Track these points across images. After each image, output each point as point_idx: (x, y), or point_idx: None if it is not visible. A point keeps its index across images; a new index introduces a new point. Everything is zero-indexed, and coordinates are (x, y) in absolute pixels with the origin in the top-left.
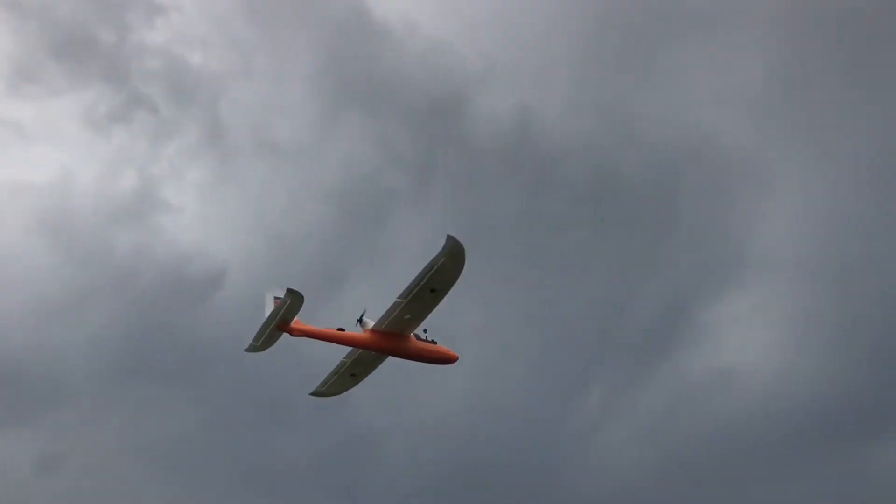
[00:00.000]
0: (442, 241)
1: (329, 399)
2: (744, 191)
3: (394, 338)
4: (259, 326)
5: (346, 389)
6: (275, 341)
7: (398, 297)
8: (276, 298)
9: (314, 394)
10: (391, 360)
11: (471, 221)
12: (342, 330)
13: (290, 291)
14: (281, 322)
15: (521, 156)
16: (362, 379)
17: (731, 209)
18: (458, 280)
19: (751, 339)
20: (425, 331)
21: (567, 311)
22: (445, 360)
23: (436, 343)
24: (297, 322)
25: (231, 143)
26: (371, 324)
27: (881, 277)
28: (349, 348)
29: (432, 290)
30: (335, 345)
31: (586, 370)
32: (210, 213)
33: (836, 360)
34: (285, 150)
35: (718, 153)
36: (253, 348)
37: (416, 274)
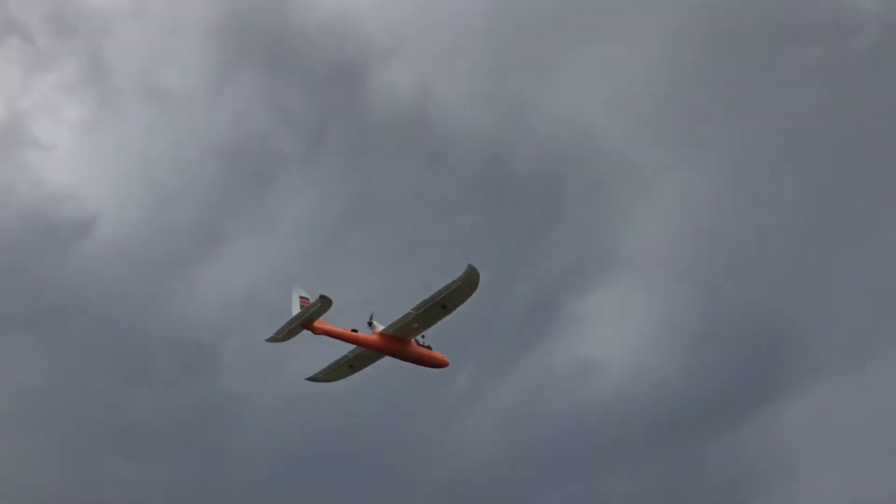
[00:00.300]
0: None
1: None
2: (624, 193)
3: (398, 342)
4: (284, 321)
5: (341, 378)
6: (294, 336)
7: (411, 309)
8: (302, 298)
9: (311, 378)
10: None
11: (360, 194)
12: (355, 331)
13: (321, 297)
14: (306, 321)
15: (416, 135)
16: (357, 371)
17: (610, 209)
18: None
19: (614, 335)
20: (423, 336)
21: None
22: (439, 364)
23: (431, 349)
24: (320, 322)
25: (114, 85)
26: (380, 327)
27: (742, 285)
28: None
29: (443, 307)
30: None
31: (456, 353)
32: (84, 155)
33: (691, 361)
34: (173, 99)
35: (605, 154)
36: (274, 339)
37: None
